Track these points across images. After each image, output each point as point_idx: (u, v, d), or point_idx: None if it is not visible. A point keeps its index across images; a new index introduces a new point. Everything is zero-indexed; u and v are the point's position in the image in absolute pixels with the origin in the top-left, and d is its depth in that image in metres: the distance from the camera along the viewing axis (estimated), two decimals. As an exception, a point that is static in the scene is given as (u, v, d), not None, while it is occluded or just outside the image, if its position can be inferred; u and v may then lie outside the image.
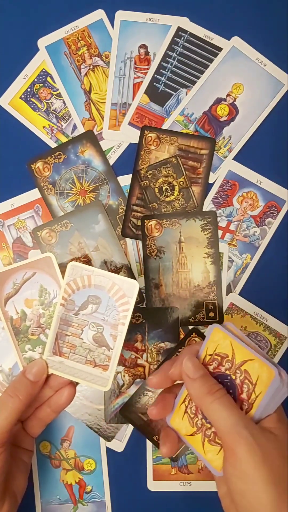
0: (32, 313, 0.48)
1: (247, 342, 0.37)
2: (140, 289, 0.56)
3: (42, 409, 0.47)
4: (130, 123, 0.57)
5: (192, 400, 0.40)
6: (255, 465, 0.33)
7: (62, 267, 0.47)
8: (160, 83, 0.57)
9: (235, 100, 0.57)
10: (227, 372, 0.37)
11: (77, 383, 0.48)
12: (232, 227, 0.57)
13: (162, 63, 0.57)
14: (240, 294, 0.56)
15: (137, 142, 0.57)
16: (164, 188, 0.56)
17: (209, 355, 0.39)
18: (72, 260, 0.55)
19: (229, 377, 0.37)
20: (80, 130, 0.57)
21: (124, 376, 0.54)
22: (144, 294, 0.56)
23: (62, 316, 0.46)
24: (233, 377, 0.37)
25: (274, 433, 0.35)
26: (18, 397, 0.44)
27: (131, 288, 0.45)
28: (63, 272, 0.46)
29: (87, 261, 0.55)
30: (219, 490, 0.39)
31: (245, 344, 0.36)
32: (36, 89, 0.58)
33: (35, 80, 0.58)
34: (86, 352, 0.46)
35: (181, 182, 0.56)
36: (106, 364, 0.46)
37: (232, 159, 0.57)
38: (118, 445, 0.55)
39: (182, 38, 0.57)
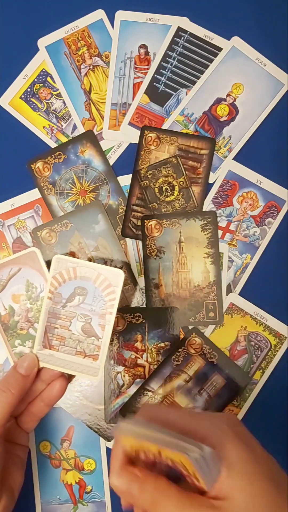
0: (20, 308, 0.48)
1: (149, 434, 0.33)
2: (132, 274, 0.56)
3: (35, 404, 0.48)
4: (130, 123, 0.57)
5: None
6: None
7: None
8: (160, 83, 0.57)
9: (235, 100, 0.57)
10: (156, 459, 0.34)
11: (70, 376, 0.48)
12: (232, 227, 0.57)
13: (162, 63, 0.57)
14: (240, 294, 0.56)
15: (137, 142, 0.57)
16: (164, 188, 0.56)
17: (132, 452, 0.35)
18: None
19: (162, 463, 0.33)
20: (80, 130, 0.57)
21: (124, 376, 0.54)
22: (144, 292, 0.56)
23: (50, 309, 0.46)
24: (164, 461, 0.33)
25: (231, 497, 0.32)
26: (10, 391, 0.44)
27: (117, 277, 0.46)
28: (48, 266, 0.47)
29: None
30: None
31: (149, 438, 0.32)
32: (36, 89, 0.58)
33: (35, 80, 0.58)
34: (76, 343, 0.46)
35: (181, 182, 0.56)
36: (96, 354, 0.46)
37: (232, 159, 0.57)
38: (118, 445, 0.55)
39: (182, 38, 0.57)
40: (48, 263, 0.47)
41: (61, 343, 0.46)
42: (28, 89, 0.58)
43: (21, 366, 0.46)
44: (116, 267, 0.55)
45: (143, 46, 0.57)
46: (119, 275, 0.46)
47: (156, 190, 0.56)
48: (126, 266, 0.55)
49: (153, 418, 0.35)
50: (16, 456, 0.48)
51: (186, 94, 0.57)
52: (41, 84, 0.58)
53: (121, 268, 0.55)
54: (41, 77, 0.58)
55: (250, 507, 0.31)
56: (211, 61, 0.57)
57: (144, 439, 0.33)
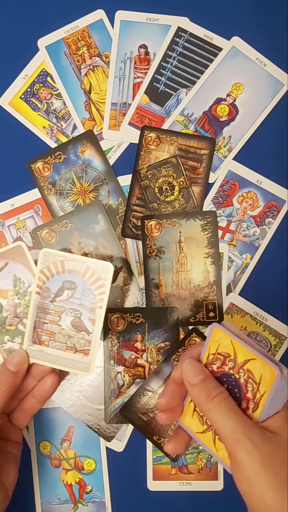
0: (8, 304, 0.47)
1: (247, 341, 0.37)
2: (116, 270, 0.55)
3: (27, 400, 0.47)
4: (130, 123, 0.57)
5: None
6: (255, 469, 0.33)
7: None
8: (160, 83, 0.57)
9: (235, 100, 0.57)
10: (231, 371, 0.37)
11: (64, 373, 0.47)
12: (232, 227, 0.57)
13: (162, 63, 0.57)
14: (240, 294, 0.56)
15: (137, 142, 0.57)
16: (164, 188, 0.56)
17: (212, 354, 0.39)
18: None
19: (233, 377, 0.37)
20: (80, 130, 0.57)
21: (124, 376, 0.54)
22: (144, 292, 0.56)
23: (38, 304, 0.46)
24: (237, 376, 0.37)
25: (280, 434, 0.35)
26: (0, 389, 0.43)
27: (106, 270, 0.45)
28: (36, 261, 0.46)
29: (114, 270, 0.54)
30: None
31: (246, 343, 0.36)
32: (36, 89, 0.58)
33: (35, 80, 0.58)
34: (66, 338, 0.46)
35: (181, 182, 0.56)
36: (86, 349, 0.46)
37: (232, 159, 0.57)
38: (118, 445, 0.55)
39: (182, 38, 0.57)
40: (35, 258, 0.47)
41: (51, 338, 0.46)
42: (28, 89, 0.58)
43: (10, 362, 0.45)
44: (116, 267, 0.55)
45: (143, 46, 0.57)
46: (108, 268, 0.45)
47: (156, 190, 0.56)
48: (126, 266, 0.55)
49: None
50: (9, 453, 0.47)
51: (186, 94, 0.57)
52: (41, 84, 0.58)
53: (121, 268, 0.55)
54: (41, 77, 0.58)
55: None
56: (211, 61, 0.57)
57: (242, 342, 0.36)
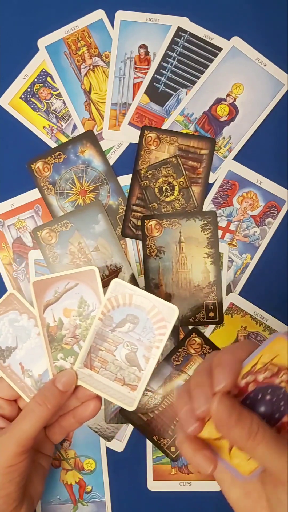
0: (69, 323, 0.47)
1: None
2: (116, 270, 0.55)
3: (66, 418, 0.48)
4: (130, 123, 0.57)
5: None
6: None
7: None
8: (160, 83, 0.57)
9: (235, 100, 0.57)
10: (282, 384, 0.35)
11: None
12: (232, 227, 0.57)
13: (162, 63, 0.57)
14: (240, 294, 0.56)
15: (137, 142, 0.57)
16: (164, 188, 0.56)
17: (263, 363, 0.36)
18: (73, 261, 0.55)
19: (282, 390, 0.35)
20: (80, 130, 0.57)
21: (124, 376, 0.54)
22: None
23: (98, 331, 0.46)
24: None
25: None
26: (46, 405, 0.44)
27: (171, 313, 0.45)
28: (104, 286, 0.47)
29: (114, 270, 0.55)
30: (231, 493, 0.38)
31: None
32: (36, 89, 0.58)
33: (35, 80, 0.58)
34: (117, 369, 0.46)
35: (181, 182, 0.56)
36: (135, 384, 0.46)
37: (232, 159, 0.57)
38: (118, 445, 0.55)
39: (182, 38, 0.57)
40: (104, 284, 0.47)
41: (103, 366, 0.46)
42: (28, 89, 0.58)
43: (59, 381, 0.45)
44: (116, 267, 0.55)
45: (143, 46, 0.57)
46: (174, 311, 0.45)
47: (156, 190, 0.56)
48: (126, 266, 0.55)
49: None
50: (40, 465, 0.48)
51: (186, 94, 0.57)
52: (41, 84, 0.58)
53: (120, 268, 0.55)
54: (41, 77, 0.58)
55: None
56: (211, 61, 0.57)
57: None
